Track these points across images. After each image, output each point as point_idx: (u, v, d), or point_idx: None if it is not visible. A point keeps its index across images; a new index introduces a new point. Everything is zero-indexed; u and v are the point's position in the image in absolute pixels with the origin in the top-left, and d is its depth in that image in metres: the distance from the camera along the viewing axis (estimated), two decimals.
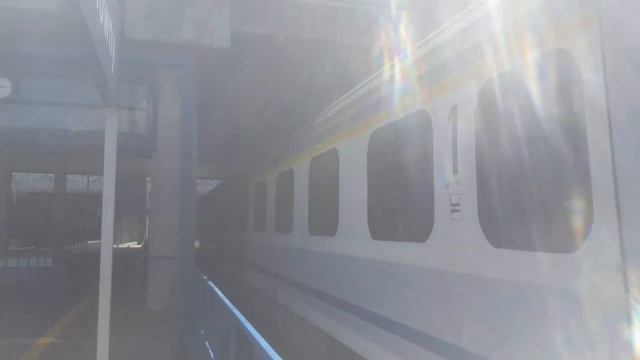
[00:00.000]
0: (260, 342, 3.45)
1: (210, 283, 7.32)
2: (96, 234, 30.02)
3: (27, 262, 18.09)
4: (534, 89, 3.55)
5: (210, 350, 6.82)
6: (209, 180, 42.22)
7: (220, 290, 6.50)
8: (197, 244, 18.84)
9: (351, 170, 6.60)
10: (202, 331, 8.04)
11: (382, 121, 5.82)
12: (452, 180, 4.34)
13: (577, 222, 3.12)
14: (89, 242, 32.82)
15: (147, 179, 34.78)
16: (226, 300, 5.62)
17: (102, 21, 4.16)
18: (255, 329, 3.86)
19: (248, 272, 13.73)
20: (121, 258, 11.47)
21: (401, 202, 5.73)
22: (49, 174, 34.14)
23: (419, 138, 4.95)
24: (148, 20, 10.66)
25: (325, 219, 7.48)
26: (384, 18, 10.97)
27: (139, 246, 33.87)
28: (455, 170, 4.31)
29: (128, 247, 39.68)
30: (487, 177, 3.97)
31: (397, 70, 5.67)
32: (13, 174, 27.84)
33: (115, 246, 8.28)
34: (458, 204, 4.23)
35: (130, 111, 11.61)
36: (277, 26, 11.65)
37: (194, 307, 8.71)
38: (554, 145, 3.40)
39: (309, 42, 11.99)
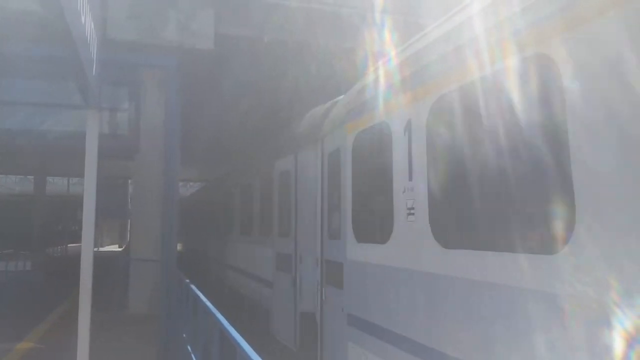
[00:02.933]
0: (243, 345, 3.44)
1: (193, 286, 7.27)
2: (77, 236, 29.63)
3: (5, 266, 17.78)
4: None
5: (192, 354, 6.78)
6: (191, 183, 41.95)
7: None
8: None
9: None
10: (184, 334, 7.98)
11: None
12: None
13: None
14: (69, 245, 32.36)
15: (129, 180, 34.41)
16: (208, 303, 5.58)
17: (83, 21, 4.11)
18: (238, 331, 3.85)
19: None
20: (102, 262, 11.35)
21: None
22: (29, 176, 33.63)
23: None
24: (131, 20, 10.57)
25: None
26: (368, 22, 11.02)
27: (120, 249, 33.50)
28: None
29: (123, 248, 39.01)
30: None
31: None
32: None
33: (95, 249, 8.18)
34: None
35: (112, 112, 11.50)
36: (261, 28, 11.63)
37: (176, 310, 8.64)
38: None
39: (294, 44, 11.98)
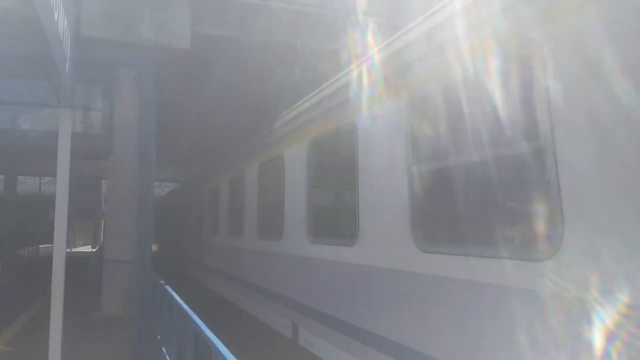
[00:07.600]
0: (219, 347, 3.42)
1: (168, 287, 7.20)
2: (49, 237, 29.00)
3: None
4: None
5: (167, 356, 6.72)
6: (167, 183, 41.52)
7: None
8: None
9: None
10: (158, 337, 7.90)
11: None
12: None
13: None
14: (40, 246, 31.70)
15: (103, 180, 33.86)
16: (184, 305, 5.54)
17: (56, 19, 4.04)
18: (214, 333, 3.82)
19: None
20: (74, 262, 11.16)
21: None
22: None
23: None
24: (105, 18, 10.41)
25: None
26: (353, 24, 11.04)
27: (94, 250, 32.94)
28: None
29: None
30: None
31: None
32: None
33: (68, 250, 8.05)
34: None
35: (86, 111, 11.29)
36: (243, 29, 11.56)
37: (151, 312, 8.55)
38: None
39: (277, 45, 11.94)
